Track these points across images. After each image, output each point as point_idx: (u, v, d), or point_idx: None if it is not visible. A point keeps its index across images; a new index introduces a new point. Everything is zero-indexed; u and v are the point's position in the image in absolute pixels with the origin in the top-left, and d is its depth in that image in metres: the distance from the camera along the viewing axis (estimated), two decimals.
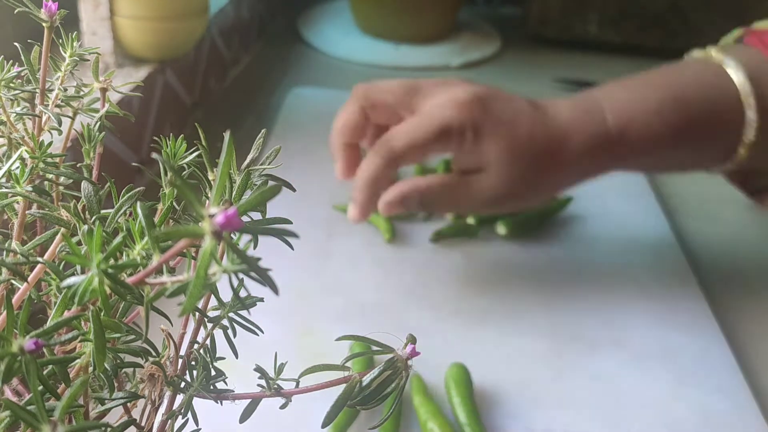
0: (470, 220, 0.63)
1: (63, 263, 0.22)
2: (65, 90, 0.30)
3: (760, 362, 0.52)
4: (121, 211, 0.21)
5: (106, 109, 0.29)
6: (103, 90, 0.29)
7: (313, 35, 1.01)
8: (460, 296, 0.56)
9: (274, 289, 0.14)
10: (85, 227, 0.17)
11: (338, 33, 1.02)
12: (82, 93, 0.30)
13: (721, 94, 0.52)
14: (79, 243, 0.21)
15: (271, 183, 0.24)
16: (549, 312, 0.55)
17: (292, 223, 0.45)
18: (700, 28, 1.00)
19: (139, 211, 0.15)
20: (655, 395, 0.49)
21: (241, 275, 0.16)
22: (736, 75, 0.52)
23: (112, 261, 0.15)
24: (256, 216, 0.23)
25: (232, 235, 0.15)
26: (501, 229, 0.63)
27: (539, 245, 0.63)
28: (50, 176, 0.27)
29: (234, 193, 0.21)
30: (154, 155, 0.19)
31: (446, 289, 0.57)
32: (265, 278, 0.14)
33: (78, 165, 0.28)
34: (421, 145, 0.50)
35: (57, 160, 0.28)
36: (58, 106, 0.30)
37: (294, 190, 0.48)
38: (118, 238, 0.15)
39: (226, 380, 0.24)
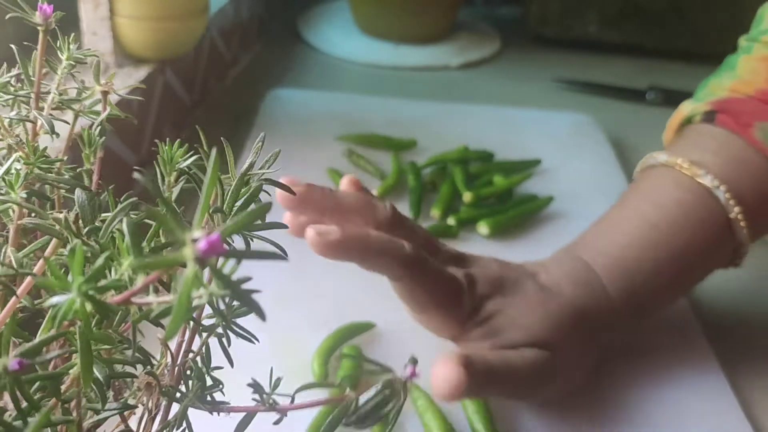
0: (450, 221, 0.63)
1: None
2: (60, 94, 0.30)
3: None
4: (115, 222, 0.20)
5: (107, 113, 0.29)
6: (105, 93, 0.29)
7: (313, 35, 1.01)
8: None
9: (261, 315, 0.14)
10: (68, 247, 0.17)
11: (338, 33, 1.02)
12: (83, 96, 0.30)
13: (712, 227, 0.48)
14: None
15: (263, 187, 0.24)
16: None
17: (288, 227, 0.44)
18: (700, 28, 1.00)
19: (125, 229, 0.15)
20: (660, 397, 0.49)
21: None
22: (721, 196, 0.48)
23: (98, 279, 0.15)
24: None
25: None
26: (483, 228, 0.62)
27: (521, 244, 0.62)
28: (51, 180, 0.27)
29: (226, 202, 0.21)
30: (141, 179, 0.17)
31: None
32: (250, 304, 0.14)
33: (78, 169, 0.28)
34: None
35: (57, 165, 0.27)
36: (55, 109, 0.29)
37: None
38: (101, 260, 0.15)
39: (223, 390, 0.24)
